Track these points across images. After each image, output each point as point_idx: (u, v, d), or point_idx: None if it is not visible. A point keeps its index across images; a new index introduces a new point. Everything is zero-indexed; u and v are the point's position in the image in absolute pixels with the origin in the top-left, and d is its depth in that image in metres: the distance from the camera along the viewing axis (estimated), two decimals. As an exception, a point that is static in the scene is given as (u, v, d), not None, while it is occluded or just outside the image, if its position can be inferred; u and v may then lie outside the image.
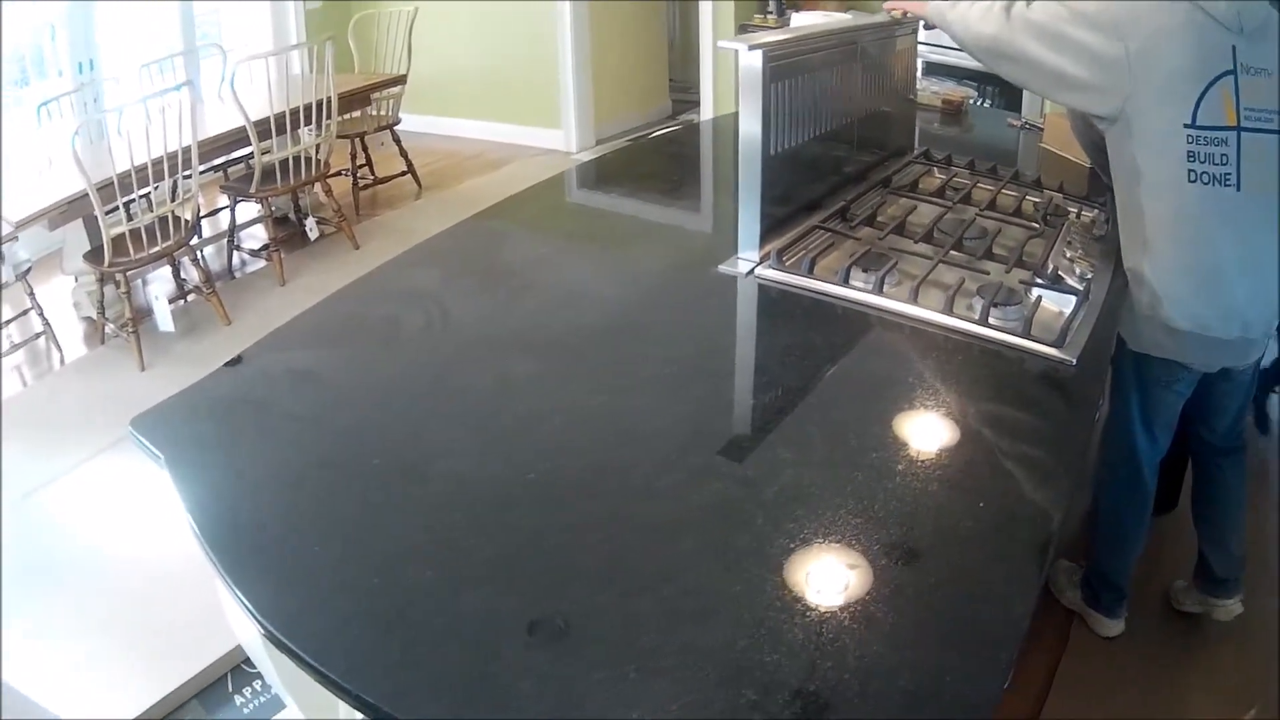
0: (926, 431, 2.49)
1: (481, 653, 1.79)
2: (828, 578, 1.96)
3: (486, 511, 2.22)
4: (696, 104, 10.83)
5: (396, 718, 1.67)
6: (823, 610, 1.87)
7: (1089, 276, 3.33)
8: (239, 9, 10.79)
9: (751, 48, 3.33)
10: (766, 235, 3.49)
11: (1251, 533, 4.09)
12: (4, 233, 5.90)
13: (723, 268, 3.44)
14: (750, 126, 3.41)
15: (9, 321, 6.79)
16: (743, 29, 9.79)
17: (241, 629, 2.49)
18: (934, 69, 7.17)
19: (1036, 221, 3.81)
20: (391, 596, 1.95)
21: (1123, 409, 3.63)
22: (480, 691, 1.70)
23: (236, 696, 4.00)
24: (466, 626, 1.87)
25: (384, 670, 1.77)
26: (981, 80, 6.93)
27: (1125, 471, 3.71)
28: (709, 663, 1.75)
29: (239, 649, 3.97)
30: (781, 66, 3.46)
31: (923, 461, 2.37)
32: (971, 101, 6.32)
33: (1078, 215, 4.00)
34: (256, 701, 3.97)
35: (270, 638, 1.87)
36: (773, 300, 3.30)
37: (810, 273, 3.32)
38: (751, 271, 3.39)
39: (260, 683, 4.01)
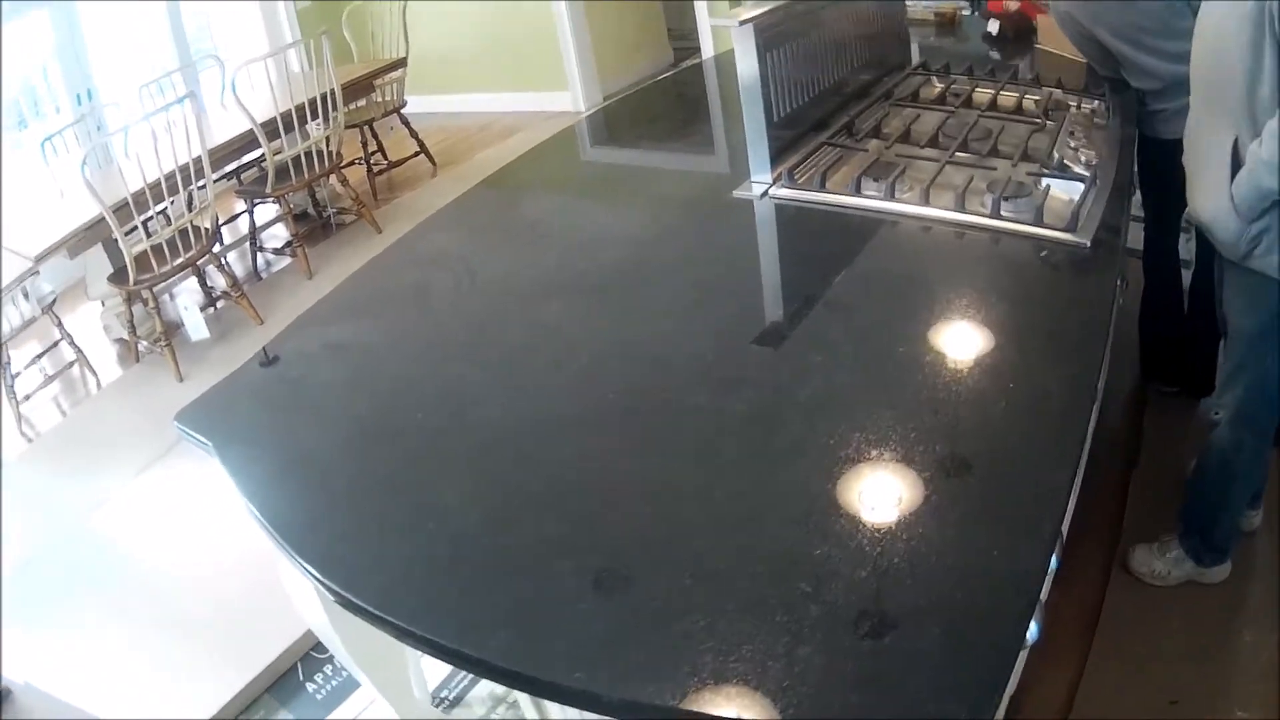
0: (950, 324, 2.52)
1: (538, 579, 1.84)
2: (868, 470, 2.00)
3: (529, 448, 2.27)
4: (697, 49, 10.78)
5: (465, 652, 1.72)
6: (867, 501, 1.91)
7: (1095, 163, 3.34)
8: (230, 19, 10.79)
9: (742, 23, 3.37)
10: (777, 157, 3.52)
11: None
12: (24, 268, 5.93)
13: (737, 193, 3.46)
14: (749, 74, 3.44)
15: (41, 355, 6.85)
16: (733, -27, 9.79)
17: (309, 610, 2.54)
18: (925, -13, 7.15)
19: (1038, 117, 3.83)
20: (447, 540, 2.00)
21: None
22: (542, 615, 1.75)
23: (308, 684, 4.04)
24: (521, 557, 1.92)
25: (448, 610, 1.82)
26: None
27: (1272, 421, 3.54)
28: (761, 561, 1.79)
29: (307, 637, 4.03)
30: (773, 36, 3.51)
31: (950, 352, 2.39)
32: (963, 13, 6.31)
33: (1078, 107, 4.01)
34: (329, 686, 4.01)
35: (336, 598, 1.91)
36: (789, 217, 3.33)
37: (823, 187, 3.35)
38: (766, 193, 3.42)
39: (331, 667, 4.06)
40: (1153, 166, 4.16)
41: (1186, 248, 4.72)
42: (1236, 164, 3.08)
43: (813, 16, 3.79)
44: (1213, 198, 3.21)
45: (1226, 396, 3.51)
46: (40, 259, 5.92)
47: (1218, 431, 3.57)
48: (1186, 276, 4.61)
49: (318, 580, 1.94)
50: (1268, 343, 3.31)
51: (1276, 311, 3.24)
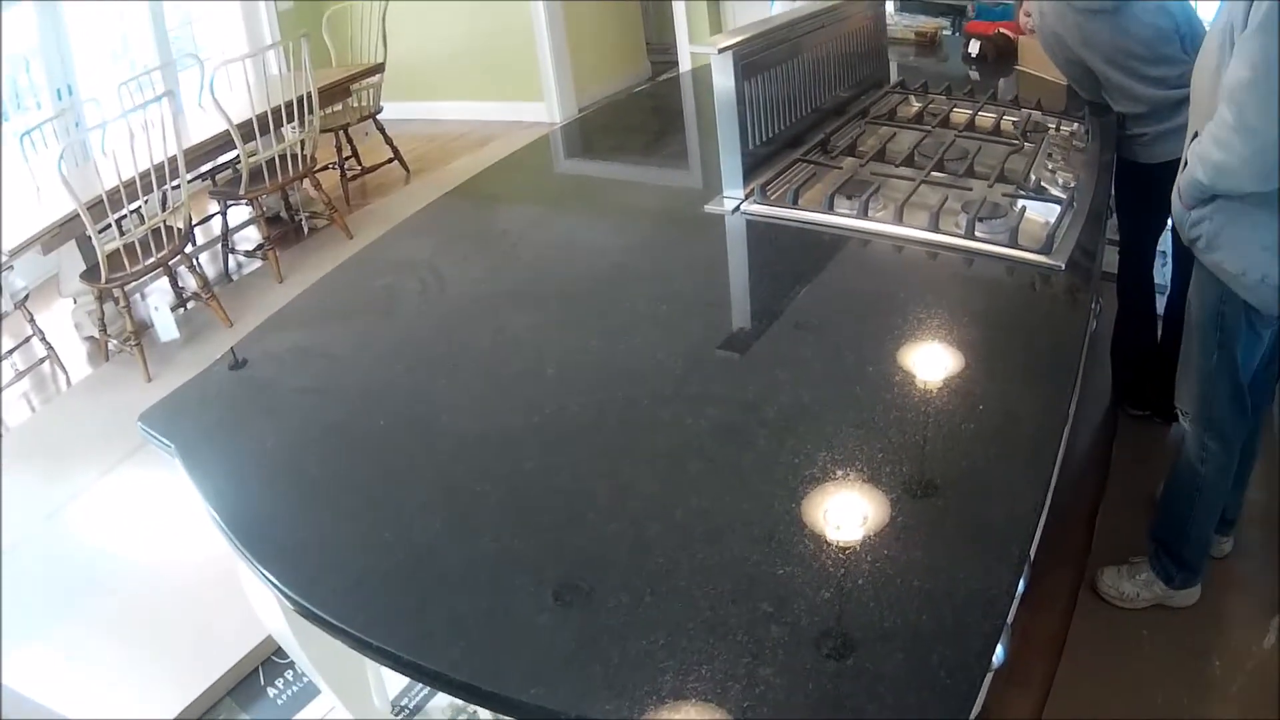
0: (921, 344, 2.51)
1: (498, 592, 1.82)
2: (834, 490, 1.98)
3: (494, 458, 2.25)
4: (675, 64, 10.81)
5: (421, 664, 1.69)
6: (832, 520, 1.89)
7: (1072, 185, 3.34)
8: (212, 19, 10.77)
9: (721, 51, 3.37)
10: (750, 173, 3.52)
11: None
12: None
13: (709, 207, 3.46)
14: (726, 97, 3.45)
15: (11, 351, 6.80)
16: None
17: (269, 616, 2.52)
18: (906, 6, 7.15)
19: (1016, 138, 3.83)
20: (407, 549, 1.97)
21: (1226, 358, 3.39)
22: (500, 629, 1.73)
23: (269, 689, 4.01)
24: (481, 569, 1.89)
25: (404, 621, 1.79)
26: (954, 13, 6.92)
27: (1236, 421, 3.53)
28: (723, 579, 1.77)
29: (268, 642, 4.00)
30: (753, 63, 3.51)
31: (920, 372, 2.38)
32: (944, 32, 6.31)
33: (1058, 129, 4.01)
34: (289, 691, 3.99)
35: (293, 605, 1.89)
36: (760, 233, 3.32)
37: (795, 204, 3.34)
38: (737, 208, 3.42)
39: (292, 672, 4.03)
40: (1130, 190, 4.19)
41: (1161, 273, 4.73)
42: None
43: (793, 43, 3.78)
44: (1176, 184, 3.30)
45: (1183, 389, 3.58)
46: (14, 254, 5.88)
47: (1185, 442, 3.61)
48: (1161, 302, 4.62)
49: (276, 587, 1.91)
50: (1210, 338, 3.37)
51: (1216, 308, 3.30)
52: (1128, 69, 3.98)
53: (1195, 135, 3.12)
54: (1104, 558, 3.99)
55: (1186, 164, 3.16)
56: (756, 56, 3.53)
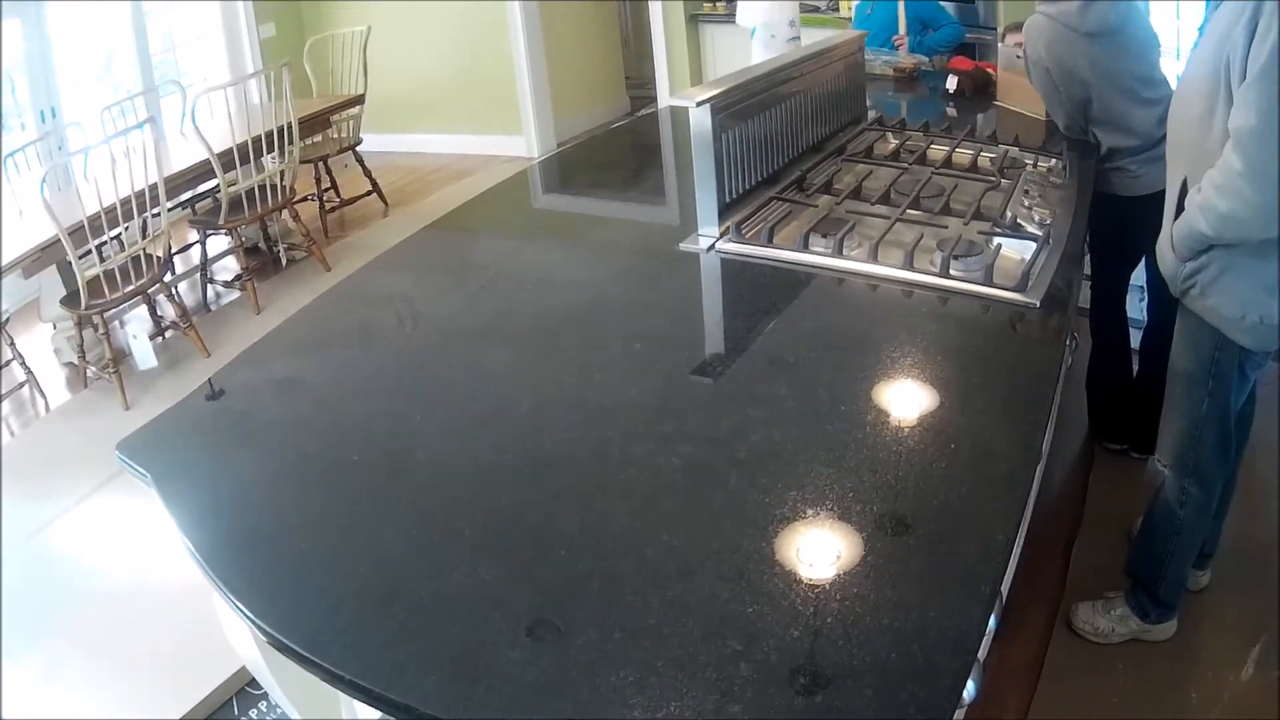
0: (895, 382, 2.52)
1: (470, 627, 1.82)
2: (804, 528, 1.99)
3: (467, 493, 2.26)
4: (653, 99, 10.85)
5: (392, 698, 1.70)
6: (802, 559, 1.90)
7: (1048, 222, 3.36)
8: (195, 44, 10.75)
9: (699, 104, 3.40)
10: (725, 211, 3.54)
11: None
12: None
13: (684, 245, 3.47)
14: (703, 143, 3.49)
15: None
16: (692, 20, 9.91)
17: (242, 646, 2.52)
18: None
19: (993, 175, 3.84)
20: (380, 582, 1.98)
21: (1217, 406, 3.38)
22: (472, 664, 1.73)
23: (243, 719, 4.01)
24: (454, 604, 1.89)
25: (377, 653, 1.79)
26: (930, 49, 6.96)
27: (1219, 466, 3.53)
28: (692, 617, 1.78)
29: (243, 671, 3.98)
30: (730, 115, 3.55)
31: (893, 411, 2.40)
32: (923, 68, 6.34)
33: (1034, 165, 4.03)
34: (263, 722, 3.99)
35: (265, 637, 1.89)
36: (735, 272, 3.34)
37: (770, 242, 3.35)
38: (712, 246, 3.44)
39: (266, 703, 4.02)
40: (1106, 224, 4.19)
41: (1138, 307, 4.75)
42: (1182, 205, 3.14)
43: (771, 92, 3.82)
44: (1163, 235, 3.28)
45: (1165, 439, 3.55)
46: (-3, 276, 5.89)
47: (1164, 484, 3.59)
48: (1135, 337, 4.63)
49: (249, 618, 1.92)
50: (1200, 387, 3.35)
51: (1209, 356, 3.28)
52: (1128, 91, 4.03)
53: (1184, 181, 3.12)
54: (1079, 591, 3.99)
55: (1180, 215, 3.14)
56: (735, 108, 3.56)
